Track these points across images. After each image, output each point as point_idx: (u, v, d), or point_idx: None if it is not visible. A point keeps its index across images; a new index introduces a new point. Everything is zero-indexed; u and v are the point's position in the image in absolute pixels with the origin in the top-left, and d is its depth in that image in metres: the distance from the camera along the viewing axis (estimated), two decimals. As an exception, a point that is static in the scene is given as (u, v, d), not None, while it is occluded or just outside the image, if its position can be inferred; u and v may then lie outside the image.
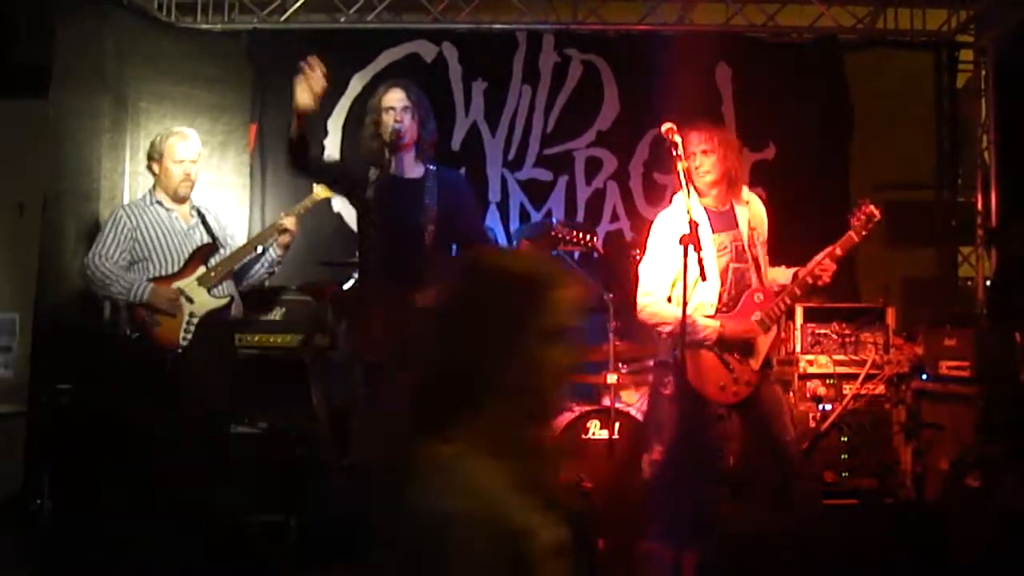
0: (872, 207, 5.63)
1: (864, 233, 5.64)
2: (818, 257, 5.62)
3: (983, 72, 8.94)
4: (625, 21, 8.93)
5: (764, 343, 5.61)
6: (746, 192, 5.83)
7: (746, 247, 5.65)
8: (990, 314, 8.20)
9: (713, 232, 5.58)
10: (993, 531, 5.52)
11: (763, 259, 5.72)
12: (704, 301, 5.56)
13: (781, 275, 5.80)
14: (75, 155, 7.41)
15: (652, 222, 5.89)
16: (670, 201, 5.78)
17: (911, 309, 8.08)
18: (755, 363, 5.60)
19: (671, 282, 5.63)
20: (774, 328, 5.65)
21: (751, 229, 5.68)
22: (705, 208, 5.58)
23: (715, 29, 8.93)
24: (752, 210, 5.76)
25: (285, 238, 6.56)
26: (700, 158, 5.56)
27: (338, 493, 6.34)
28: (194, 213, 6.66)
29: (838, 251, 5.61)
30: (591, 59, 8.80)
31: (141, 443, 6.23)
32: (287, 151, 5.50)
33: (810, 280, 5.62)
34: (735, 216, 5.69)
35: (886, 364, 7.37)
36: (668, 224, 5.66)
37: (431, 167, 5.73)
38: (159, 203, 6.56)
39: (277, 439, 6.85)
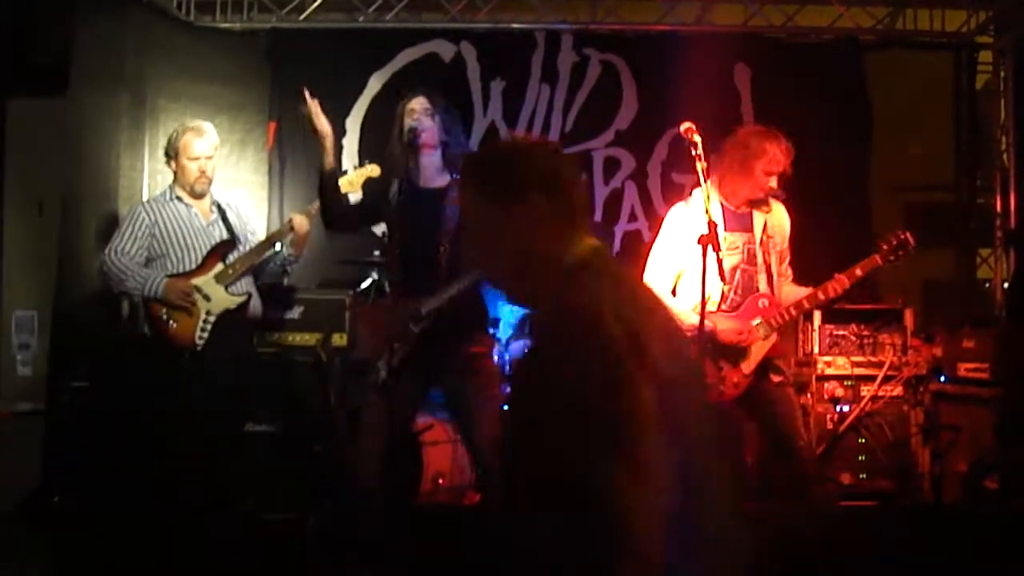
0: (908, 235, 5.58)
1: (891, 259, 5.59)
2: (838, 275, 5.58)
3: (1002, 73, 8.93)
4: (644, 21, 8.92)
5: (760, 348, 5.57)
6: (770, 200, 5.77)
7: (758, 251, 5.62)
8: (1009, 316, 8.17)
9: (726, 231, 5.55)
10: (1011, 533, 5.50)
11: (776, 268, 5.68)
12: (707, 298, 5.55)
13: (797, 294, 5.73)
14: (94, 153, 7.42)
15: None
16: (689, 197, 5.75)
17: (930, 311, 8.06)
18: (746, 367, 5.57)
19: (676, 274, 5.63)
20: (774, 335, 5.60)
21: (767, 236, 5.65)
22: (722, 206, 5.56)
23: (734, 29, 8.92)
24: (772, 217, 5.71)
25: (300, 235, 6.49)
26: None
27: (355, 490, 6.34)
28: (214, 209, 6.62)
29: (858, 271, 5.58)
30: (610, 59, 8.80)
31: (158, 441, 6.24)
32: (320, 187, 5.54)
33: (821, 296, 5.60)
34: (751, 219, 5.68)
35: (904, 366, 7.35)
36: (682, 217, 5.66)
37: (456, 177, 5.70)
38: (178, 199, 6.52)
39: (294, 437, 6.86)
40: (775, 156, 5.52)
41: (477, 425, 5.46)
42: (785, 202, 5.94)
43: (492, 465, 5.53)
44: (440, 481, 7.07)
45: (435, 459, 7.07)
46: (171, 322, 6.28)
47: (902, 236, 5.59)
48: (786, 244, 5.80)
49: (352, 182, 6.22)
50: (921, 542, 5.73)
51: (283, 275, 6.84)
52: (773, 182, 5.56)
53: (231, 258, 6.48)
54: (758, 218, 5.67)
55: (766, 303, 5.59)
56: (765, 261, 5.61)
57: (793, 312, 5.66)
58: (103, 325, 7.08)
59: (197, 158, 6.50)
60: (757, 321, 5.57)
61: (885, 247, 5.62)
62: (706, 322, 5.33)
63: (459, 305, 5.38)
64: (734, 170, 5.56)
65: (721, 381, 5.55)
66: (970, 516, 6.43)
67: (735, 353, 5.54)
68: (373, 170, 6.24)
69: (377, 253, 7.43)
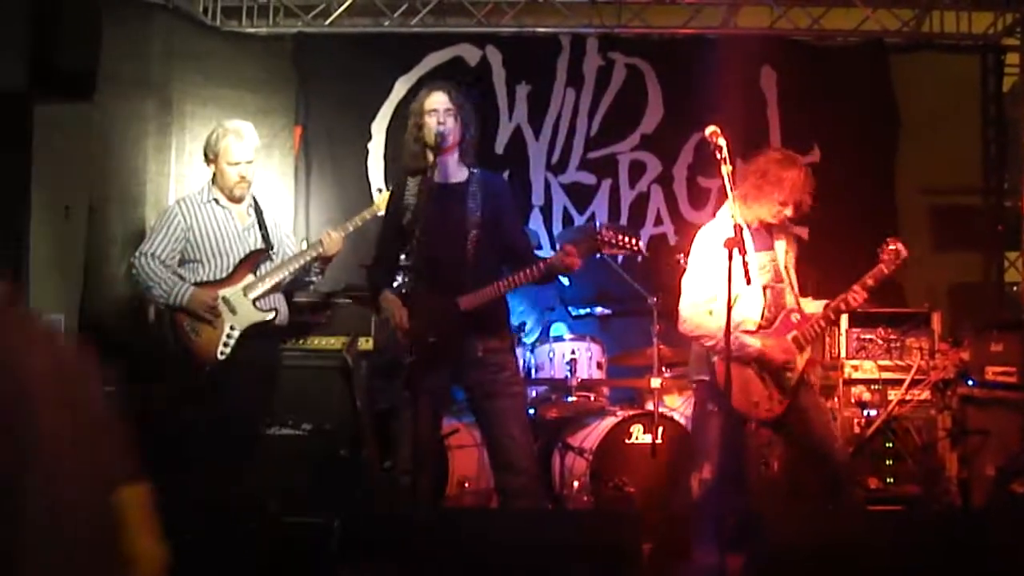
0: (899, 245, 5.65)
1: (894, 268, 5.65)
2: (854, 287, 5.64)
3: (1029, 76, 8.87)
4: (669, 25, 8.91)
5: (800, 362, 5.62)
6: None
7: (782, 268, 5.70)
8: (1036, 319, 8.14)
9: (756, 250, 5.57)
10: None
11: (795, 283, 5.77)
12: (747, 317, 5.56)
13: (810, 306, 5.79)
14: (121, 158, 7.45)
15: (696, 228, 5.88)
16: (716, 204, 5.78)
17: (957, 314, 8.03)
18: (791, 382, 5.60)
19: (712, 296, 5.61)
20: (809, 349, 5.66)
21: (786, 252, 5.75)
22: (747, 223, 5.54)
23: (760, 32, 8.91)
24: (787, 235, 5.82)
25: (330, 254, 6.39)
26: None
27: (381, 494, 6.34)
28: (251, 212, 6.51)
29: (870, 281, 5.63)
30: (635, 63, 8.79)
31: (184, 446, 6.24)
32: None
33: (843, 306, 5.68)
34: (772, 238, 5.74)
35: (932, 369, 7.32)
36: (711, 237, 5.65)
37: (474, 171, 5.67)
38: (215, 200, 6.41)
39: (321, 440, 6.85)
40: (792, 185, 5.56)
41: (499, 422, 5.45)
42: (809, 220, 6.00)
43: (520, 464, 5.50)
44: (466, 484, 7.06)
45: (461, 463, 7.07)
46: (194, 334, 6.22)
47: (895, 246, 5.64)
48: (794, 261, 5.88)
49: (365, 218, 6.30)
50: (949, 547, 5.69)
51: (308, 286, 6.77)
52: (789, 211, 5.59)
53: (262, 269, 6.39)
54: (778, 236, 5.75)
55: (798, 317, 5.66)
56: (788, 277, 5.71)
57: (823, 324, 5.71)
58: (129, 330, 7.10)
59: (237, 163, 6.37)
60: (792, 335, 5.61)
61: (886, 257, 5.66)
62: (755, 342, 5.39)
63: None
64: (751, 195, 5.56)
65: (768, 399, 5.58)
66: (998, 520, 6.38)
67: (780, 371, 5.56)
68: (380, 205, 6.24)
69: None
